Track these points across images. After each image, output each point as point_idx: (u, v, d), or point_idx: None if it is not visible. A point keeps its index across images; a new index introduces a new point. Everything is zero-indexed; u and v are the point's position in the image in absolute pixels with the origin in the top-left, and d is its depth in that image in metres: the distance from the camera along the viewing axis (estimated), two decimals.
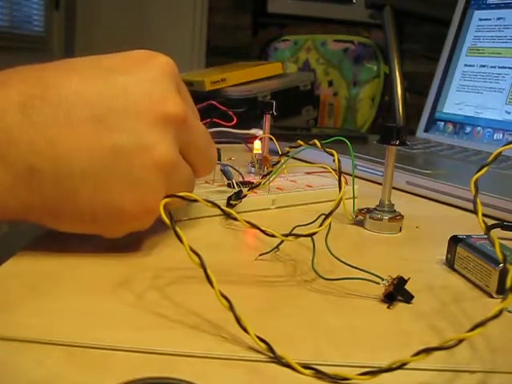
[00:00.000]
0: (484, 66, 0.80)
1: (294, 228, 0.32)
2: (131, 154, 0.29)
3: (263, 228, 0.29)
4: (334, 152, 0.35)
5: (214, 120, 0.63)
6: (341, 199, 0.32)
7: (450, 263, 0.33)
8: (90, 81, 0.30)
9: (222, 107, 0.64)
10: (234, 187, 0.44)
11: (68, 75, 0.30)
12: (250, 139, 0.56)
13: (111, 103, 0.29)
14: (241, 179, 0.46)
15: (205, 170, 0.36)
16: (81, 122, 0.28)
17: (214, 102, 0.64)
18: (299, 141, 0.40)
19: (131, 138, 0.29)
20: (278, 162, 0.44)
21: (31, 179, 0.28)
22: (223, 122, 0.64)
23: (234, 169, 0.46)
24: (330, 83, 1.39)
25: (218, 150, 0.45)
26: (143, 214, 0.31)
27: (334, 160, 0.35)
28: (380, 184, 0.41)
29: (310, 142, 0.37)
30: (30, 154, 0.28)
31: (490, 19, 0.81)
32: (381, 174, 0.41)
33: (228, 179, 0.44)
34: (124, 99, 0.29)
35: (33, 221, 0.30)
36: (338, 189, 0.33)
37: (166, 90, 0.31)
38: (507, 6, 0.79)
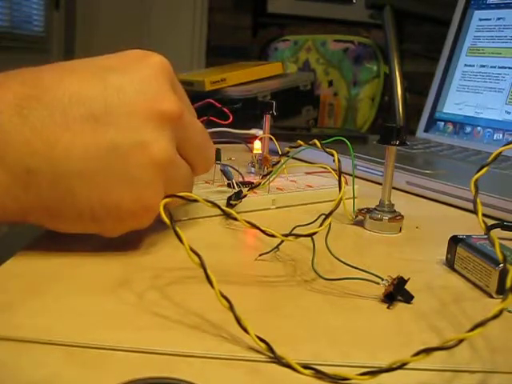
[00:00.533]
0: (484, 66, 0.80)
1: (294, 228, 0.32)
2: (128, 153, 0.29)
3: (263, 228, 0.29)
4: (334, 152, 0.35)
5: (211, 118, 0.63)
6: (341, 199, 0.32)
7: (450, 263, 0.33)
8: (85, 81, 0.30)
9: (217, 104, 0.64)
10: (233, 187, 0.44)
11: (64, 76, 0.30)
12: (250, 139, 0.56)
13: (106, 103, 0.29)
14: (241, 179, 0.46)
15: (203, 167, 0.36)
16: (77, 122, 0.28)
17: (210, 100, 0.64)
18: (299, 141, 0.40)
19: (127, 136, 0.29)
20: (278, 162, 0.44)
21: (29, 180, 0.28)
22: (219, 121, 0.64)
23: (234, 169, 0.46)
24: (330, 83, 1.39)
25: (219, 149, 0.45)
26: (142, 212, 0.31)
27: (334, 160, 0.35)
28: (380, 184, 0.41)
29: (310, 142, 0.38)
30: (27, 154, 0.28)
31: (490, 19, 0.81)
32: (381, 174, 0.41)
33: (228, 179, 0.44)
34: (119, 98, 0.30)
35: (31, 222, 0.30)
36: (338, 189, 0.33)
37: (161, 89, 0.31)
38: (507, 5, 0.79)
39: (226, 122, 0.64)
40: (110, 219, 0.30)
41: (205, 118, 0.61)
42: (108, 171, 0.29)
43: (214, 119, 0.64)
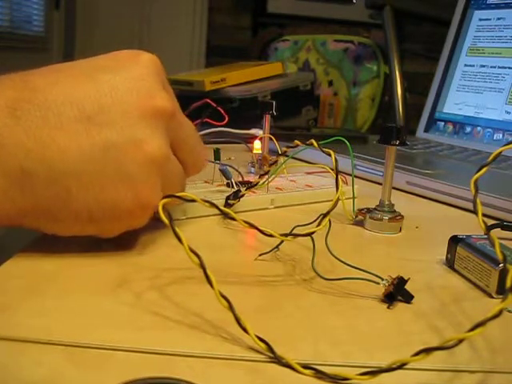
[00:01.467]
0: (484, 66, 0.80)
1: (294, 228, 0.32)
2: (122, 151, 0.29)
3: (261, 228, 0.29)
4: (331, 152, 0.35)
5: (206, 120, 0.62)
6: (338, 199, 0.32)
7: (450, 263, 0.33)
8: (77, 82, 0.30)
9: (213, 104, 0.63)
10: (232, 187, 0.44)
11: (55, 78, 0.30)
12: (250, 139, 0.56)
13: (99, 102, 0.29)
14: (240, 179, 0.46)
15: (194, 168, 0.36)
16: (70, 122, 0.29)
17: (208, 99, 0.63)
18: (296, 141, 0.40)
19: (121, 134, 0.29)
20: (276, 162, 0.44)
21: (24, 181, 0.28)
22: (215, 122, 0.64)
23: (234, 168, 0.46)
24: (330, 83, 1.39)
25: (218, 149, 0.45)
26: (139, 211, 0.31)
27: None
28: (380, 184, 0.41)
29: (308, 142, 0.38)
30: (21, 156, 0.28)
31: (489, 19, 0.81)
32: (381, 174, 0.41)
33: (227, 179, 0.44)
34: (111, 97, 0.30)
35: (28, 225, 0.30)
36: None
37: (153, 86, 0.31)
38: (507, 5, 0.79)
39: (222, 123, 0.63)
40: (107, 219, 0.30)
41: (199, 120, 0.60)
42: (104, 171, 0.29)
43: (209, 121, 0.63)
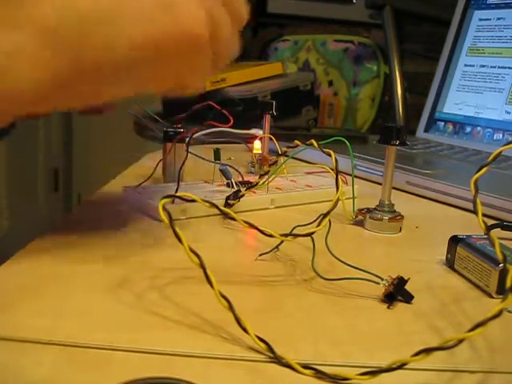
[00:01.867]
0: (484, 66, 0.80)
1: (294, 228, 0.32)
2: None
3: (261, 228, 0.29)
4: (331, 152, 0.35)
5: (210, 122, 0.62)
6: (338, 199, 0.32)
7: (450, 263, 0.33)
8: None
9: (217, 107, 0.63)
10: (232, 187, 0.44)
11: None
12: (250, 139, 0.56)
13: None
14: (240, 179, 0.46)
15: (238, 14, 0.32)
16: None
17: (210, 102, 0.63)
18: (296, 141, 0.40)
19: None
20: (276, 162, 0.44)
21: (55, 38, 0.26)
22: (219, 124, 0.64)
23: (234, 168, 0.46)
24: (330, 83, 1.38)
25: (218, 149, 0.45)
26: (186, 41, 0.28)
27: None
28: (380, 184, 0.41)
29: (308, 142, 0.38)
30: (49, 10, 0.26)
31: (489, 19, 0.81)
32: (381, 174, 0.41)
33: (227, 179, 0.44)
34: None
35: (66, 98, 0.28)
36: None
37: None
38: (507, 5, 0.79)
39: (227, 126, 0.63)
40: (152, 62, 0.28)
41: (204, 122, 0.60)
42: (140, 9, 0.27)
43: (214, 123, 0.63)
